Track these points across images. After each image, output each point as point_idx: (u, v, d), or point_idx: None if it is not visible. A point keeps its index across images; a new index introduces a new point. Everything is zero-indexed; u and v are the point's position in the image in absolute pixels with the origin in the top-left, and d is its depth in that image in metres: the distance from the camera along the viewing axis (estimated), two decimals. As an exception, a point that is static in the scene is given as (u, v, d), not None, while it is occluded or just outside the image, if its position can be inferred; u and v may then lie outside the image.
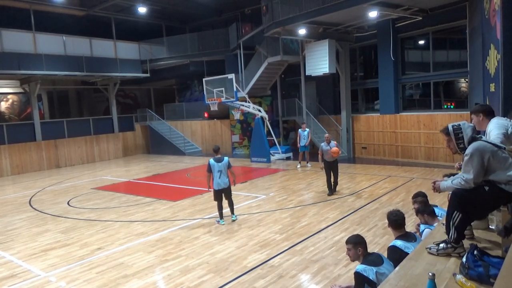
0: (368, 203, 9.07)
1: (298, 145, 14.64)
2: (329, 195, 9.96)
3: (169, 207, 9.97)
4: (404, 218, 4.03)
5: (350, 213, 8.36)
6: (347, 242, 3.78)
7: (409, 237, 3.88)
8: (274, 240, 6.98)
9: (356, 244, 3.67)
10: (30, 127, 18.78)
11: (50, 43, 18.24)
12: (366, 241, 3.88)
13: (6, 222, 9.50)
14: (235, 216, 8.36)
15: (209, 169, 8.03)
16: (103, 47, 20.27)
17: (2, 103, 21.57)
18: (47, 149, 19.16)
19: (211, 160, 8.05)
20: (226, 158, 8.15)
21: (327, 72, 14.99)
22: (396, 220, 3.97)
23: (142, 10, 19.60)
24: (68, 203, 11.17)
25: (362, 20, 14.15)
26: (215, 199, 8.14)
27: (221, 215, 8.15)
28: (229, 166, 8.09)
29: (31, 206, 11.13)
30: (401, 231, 3.95)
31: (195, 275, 5.69)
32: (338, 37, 15.53)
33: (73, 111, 25.19)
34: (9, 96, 21.74)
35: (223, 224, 8.08)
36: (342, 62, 16.05)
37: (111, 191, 12.61)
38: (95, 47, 19.93)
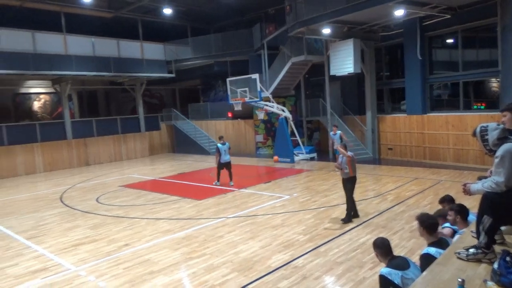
0: (394, 206, 8.92)
1: (331, 147, 14.25)
2: (345, 222, 7.86)
3: (193, 205, 10.12)
4: (437, 222, 3.83)
5: (375, 215, 8.24)
6: (374, 245, 3.75)
7: (442, 244, 3.64)
8: (298, 240, 6.98)
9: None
10: (61, 126, 19.45)
11: (79, 45, 18.83)
12: (392, 244, 3.84)
13: (39, 217, 9.89)
14: (232, 183, 12.25)
15: (218, 151, 12.21)
16: (130, 48, 20.76)
17: (35, 102, 22.42)
18: (77, 147, 19.80)
19: (219, 145, 12.30)
20: (227, 143, 12.53)
21: (352, 72, 14.83)
22: (433, 224, 3.74)
23: (167, 11, 19.92)
24: (97, 200, 11.51)
25: (388, 19, 13.90)
26: (218, 168, 12.39)
27: (218, 179, 12.44)
28: (229, 148, 12.50)
29: (62, 202, 11.54)
30: (434, 237, 3.72)
31: (219, 274, 5.76)
32: (363, 36, 15.32)
33: (101, 111, 25.89)
34: (41, 96, 22.59)
35: (218, 185, 12.25)
36: (367, 62, 15.83)
37: (138, 189, 12.91)
38: (123, 48, 20.42)
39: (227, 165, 12.40)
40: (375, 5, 12.06)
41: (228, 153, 12.42)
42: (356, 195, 9.64)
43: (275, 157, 14.75)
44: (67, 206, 11.04)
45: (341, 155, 8.04)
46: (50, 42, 17.84)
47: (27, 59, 16.97)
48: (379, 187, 11.04)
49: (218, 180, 12.52)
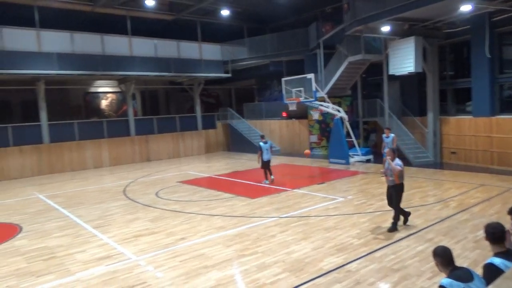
0: (457, 213, 8.41)
1: (382, 151, 12.91)
2: (390, 231, 7.39)
3: (247, 203, 10.28)
4: (504, 232, 3.56)
5: (436, 222, 7.83)
6: (434, 253, 3.57)
7: (510, 255, 3.36)
8: (352, 244, 6.84)
9: None
10: (125, 123, 20.69)
11: (143, 46, 19.90)
12: (454, 254, 3.63)
13: (105, 208, 10.61)
14: (272, 177, 12.92)
15: (260, 149, 12.65)
16: (189, 49, 21.54)
17: (103, 101, 24.04)
18: (139, 144, 20.94)
19: (261, 143, 12.71)
20: (269, 142, 13.26)
21: (413, 71, 14.18)
22: (493, 233, 3.47)
23: (225, 13, 20.39)
24: (156, 194, 12.10)
25: (454, 15, 13.11)
26: (262, 167, 12.81)
27: (266, 177, 12.87)
28: (271, 147, 13.04)
29: (125, 195, 12.27)
30: (500, 247, 3.46)
31: (271, 273, 5.81)
32: (425, 33, 14.59)
33: (162, 109, 27.13)
34: (108, 95, 24.17)
35: (267, 184, 12.58)
36: (429, 60, 15.06)
37: (194, 185, 13.36)
38: (182, 49, 21.25)
39: (267, 164, 12.80)
40: (440, 0, 11.42)
41: (270, 152, 12.83)
42: (416, 200, 9.28)
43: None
44: (130, 199, 11.72)
45: (387, 161, 7.50)
46: (117, 44, 19.06)
47: (96, 60, 18.26)
48: (440, 193, 10.47)
49: (266, 179, 12.89)
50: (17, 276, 6.22)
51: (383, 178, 7.80)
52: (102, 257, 6.87)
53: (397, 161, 7.40)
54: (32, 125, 17.94)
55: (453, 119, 15.34)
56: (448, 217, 8.18)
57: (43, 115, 17.93)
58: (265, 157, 12.71)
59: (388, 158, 7.46)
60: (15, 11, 17.45)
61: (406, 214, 7.74)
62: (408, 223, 7.72)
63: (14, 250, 7.51)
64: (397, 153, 7.94)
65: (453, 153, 15.28)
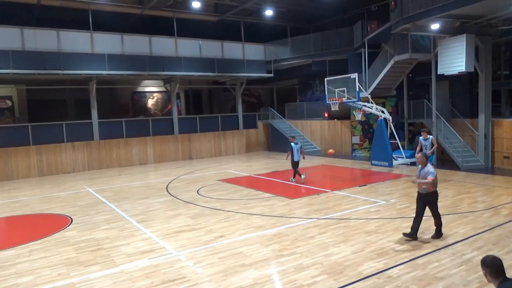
0: (509, 222, 7.91)
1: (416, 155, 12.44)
2: (436, 237, 7.08)
3: (286, 204, 10.26)
4: None
5: (485, 231, 7.41)
6: (483, 263, 3.39)
7: None
8: (393, 249, 6.63)
9: None
10: (170, 122, 21.32)
11: (188, 47, 20.40)
12: (505, 265, 3.43)
13: (148, 204, 11.01)
14: (294, 179, 13.32)
15: (291, 149, 12.98)
16: (233, 49, 21.81)
17: (149, 100, 24.96)
18: (182, 142, 21.52)
19: (292, 144, 13.03)
20: (299, 143, 13.48)
21: (463, 71, 13.47)
22: None
23: (268, 13, 20.44)
24: (197, 192, 12.38)
25: (510, 11, 12.28)
26: (293, 166, 13.17)
27: (300, 174, 13.10)
28: (301, 147, 13.29)
29: (168, 192, 12.65)
30: None
31: (308, 274, 5.77)
32: (478, 31, 13.81)
33: (205, 109, 27.69)
34: (154, 94, 25.05)
35: (303, 178, 13.02)
36: (482, 59, 14.24)
37: (234, 184, 13.53)
38: (226, 49, 21.56)
39: (296, 164, 13.12)
40: (495, -5, 10.78)
41: (300, 153, 13.08)
42: (464, 206, 8.83)
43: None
44: (172, 195, 12.08)
45: (419, 166, 7.08)
46: (164, 45, 19.68)
47: (144, 61, 18.97)
48: (491, 199, 9.88)
49: (301, 175, 13.10)
50: (67, 265, 6.62)
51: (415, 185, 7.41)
52: (145, 250, 7.14)
53: (430, 167, 6.94)
54: (84, 123, 18.96)
55: (507, 122, 14.42)
56: (499, 225, 7.71)
57: (94, 113, 18.88)
58: (295, 157, 12.98)
59: (418, 173, 7.05)
60: (71, 14, 18.54)
61: (415, 229, 7.11)
62: (417, 238, 7.06)
63: (65, 240, 7.99)
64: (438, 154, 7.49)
65: (507, 157, 14.35)
